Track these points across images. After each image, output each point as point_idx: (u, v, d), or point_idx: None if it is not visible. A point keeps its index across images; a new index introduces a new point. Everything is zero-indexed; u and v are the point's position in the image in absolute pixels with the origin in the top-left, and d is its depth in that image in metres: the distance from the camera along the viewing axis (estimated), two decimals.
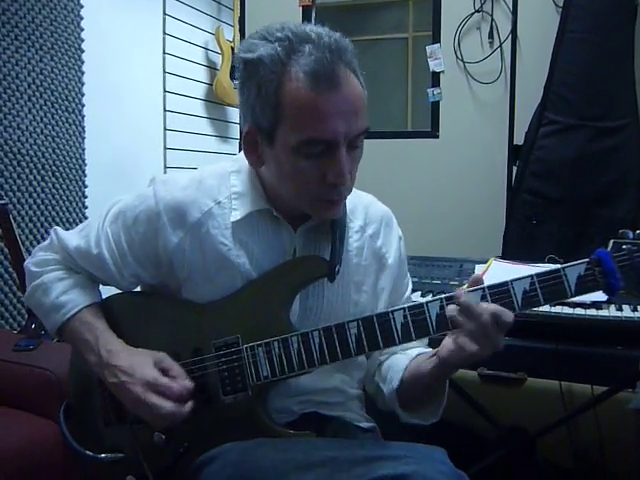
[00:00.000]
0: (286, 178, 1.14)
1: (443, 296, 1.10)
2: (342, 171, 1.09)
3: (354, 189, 1.32)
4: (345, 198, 1.18)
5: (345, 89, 1.06)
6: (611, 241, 1.09)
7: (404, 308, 1.11)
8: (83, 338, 1.24)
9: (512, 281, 1.09)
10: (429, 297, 1.81)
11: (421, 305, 1.10)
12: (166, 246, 1.21)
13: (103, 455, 1.25)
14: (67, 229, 1.36)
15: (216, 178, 1.24)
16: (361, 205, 1.32)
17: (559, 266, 1.08)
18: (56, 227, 1.37)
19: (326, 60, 1.04)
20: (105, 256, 1.25)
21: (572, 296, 1.08)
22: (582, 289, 1.08)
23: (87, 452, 1.27)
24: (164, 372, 1.16)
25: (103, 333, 1.23)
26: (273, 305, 1.18)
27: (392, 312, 1.11)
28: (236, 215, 1.20)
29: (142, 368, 1.16)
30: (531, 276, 1.08)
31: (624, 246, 1.08)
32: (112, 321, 1.28)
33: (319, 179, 1.11)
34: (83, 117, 2.93)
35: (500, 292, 1.08)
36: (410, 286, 1.40)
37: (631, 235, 1.08)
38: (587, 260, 1.08)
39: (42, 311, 1.30)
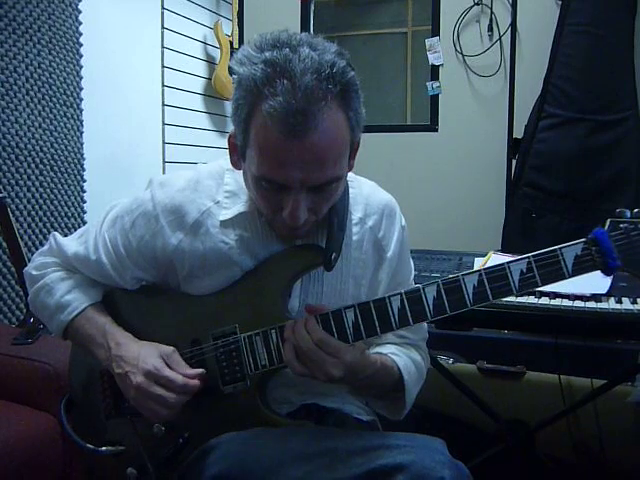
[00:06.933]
0: (251, 192, 1.15)
1: (440, 280, 1.09)
2: (294, 214, 1.07)
3: (356, 177, 1.31)
4: (304, 230, 1.15)
5: (311, 139, 0.99)
6: (608, 220, 1.07)
7: (401, 293, 1.10)
8: (90, 333, 1.24)
9: (509, 263, 1.07)
10: None
11: (417, 290, 1.09)
12: (165, 248, 1.21)
13: (104, 448, 1.26)
14: (65, 223, 1.36)
15: (213, 177, 1.24)
16: (361, 196, 1.29)
17: (556, 247, 1.07)
18: (54, 233, 1.37)
19: (294, 106, 0.97)
20: (104, 261, 1.26)
21: (570, 276, 1.06)
22: (579, 269, 1.06)
23: (88, 445, 1.27)
24: (168, 363, 1.16)
25: (110, 327, 1.24)
26: (270, 294, 1.18)
27: (389, 297, 1.10)
28: (226, 214, 1.20)
29: (145, 357, 1.16)
30: (527, 257, 1.07)
31: (621, 225, 1.06)
32: (111, 316, 1.28)
33: (275, 209, 1.10)
34: (81, 111, 2.91)
35: (497, 275, 1.07)
36: (412, 273, 1.38)
37: (628, 214, 1.06)
38: (584, 240, 1.07)
39: (47, 312, 1.30)
